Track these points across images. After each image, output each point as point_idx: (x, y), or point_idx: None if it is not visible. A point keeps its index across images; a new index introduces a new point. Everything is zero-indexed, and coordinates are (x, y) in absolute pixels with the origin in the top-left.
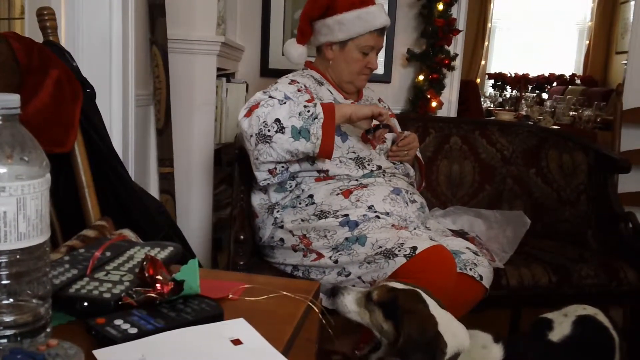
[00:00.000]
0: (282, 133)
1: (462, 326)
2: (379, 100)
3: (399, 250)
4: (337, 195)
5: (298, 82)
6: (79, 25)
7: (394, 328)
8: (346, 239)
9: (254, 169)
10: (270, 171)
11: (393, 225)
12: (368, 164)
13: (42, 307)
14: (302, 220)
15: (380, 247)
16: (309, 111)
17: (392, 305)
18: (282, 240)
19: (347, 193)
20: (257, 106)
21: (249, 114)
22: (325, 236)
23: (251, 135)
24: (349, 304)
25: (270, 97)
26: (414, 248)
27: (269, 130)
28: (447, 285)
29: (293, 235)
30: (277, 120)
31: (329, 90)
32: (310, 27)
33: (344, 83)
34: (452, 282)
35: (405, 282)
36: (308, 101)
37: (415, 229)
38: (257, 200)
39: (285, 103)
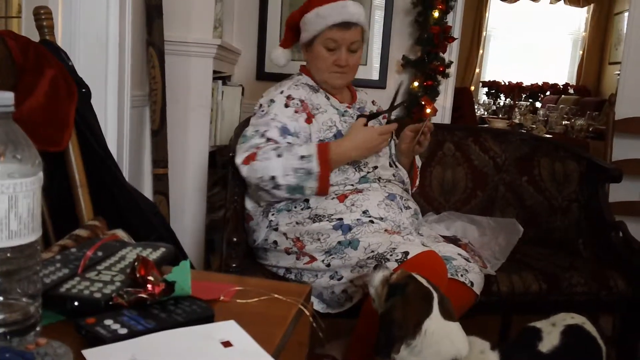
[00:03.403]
0: (278, 189)
1: (463, 335)
2: (373, 102)
3: (391, 255)
4: (332, 199)
5: (293, 98)
6: (75, 25)
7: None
8: (339, 242)
9: (248, 185)
10: None
11: (386, 230)
12: (364, 166)
13: (32, 306)
14: (297, 224)
15: (372, 251)
16: (302, 168)
17: (399, 289)
18: (275, 242)
19: (342, 197)
20: (255, 157)
21: (247, 161)
22: (319, 239)
23: (250, 182)
24: (377, 279)
25: (268, 139)
26: (406, 253)
27: (266, 185)
28: None
29: (287, 238)
30: (273, 178)
31: (325, 97)
32: (291, 32)
33: (321, 83)
34: (443, 287)
35: (435, 285)
36: (307, 121)
37: (408, 234)
38: (252, 202)
39: (281, 156)
